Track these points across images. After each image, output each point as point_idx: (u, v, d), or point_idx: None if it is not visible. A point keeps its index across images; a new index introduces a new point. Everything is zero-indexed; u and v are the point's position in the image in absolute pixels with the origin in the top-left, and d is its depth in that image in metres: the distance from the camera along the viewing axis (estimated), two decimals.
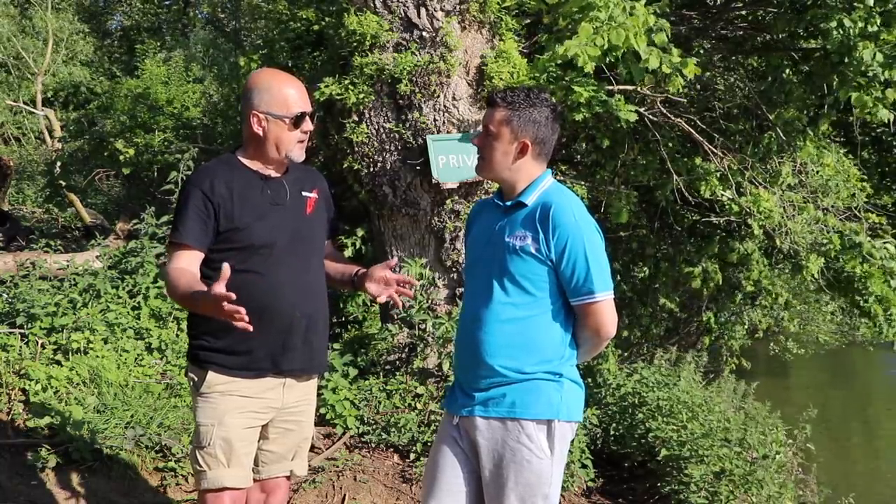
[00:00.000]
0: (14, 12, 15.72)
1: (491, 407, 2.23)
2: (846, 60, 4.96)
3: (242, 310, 2.08)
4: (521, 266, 2.20)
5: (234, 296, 2.06)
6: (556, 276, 2.21)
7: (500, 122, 2.26)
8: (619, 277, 8.05)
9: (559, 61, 4.42)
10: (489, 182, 4.61)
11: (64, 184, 10.17)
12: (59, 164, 10.43)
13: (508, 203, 2.31)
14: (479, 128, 2.37)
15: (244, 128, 2.45)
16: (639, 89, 5.04)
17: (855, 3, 4.89)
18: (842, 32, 4.86)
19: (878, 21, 4.84)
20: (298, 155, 2.46)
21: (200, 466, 2.39)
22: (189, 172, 5.45)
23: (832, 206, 6.49)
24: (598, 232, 2.26)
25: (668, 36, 4.68)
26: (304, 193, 2.53)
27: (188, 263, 2.35)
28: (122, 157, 8.21)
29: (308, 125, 2.45)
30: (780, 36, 6.18)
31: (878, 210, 7.23)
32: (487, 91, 4.64)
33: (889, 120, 5.12)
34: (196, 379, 2.41)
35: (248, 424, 2.41)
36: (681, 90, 4.99)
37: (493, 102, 2.28)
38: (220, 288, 2.06)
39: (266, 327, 2.37)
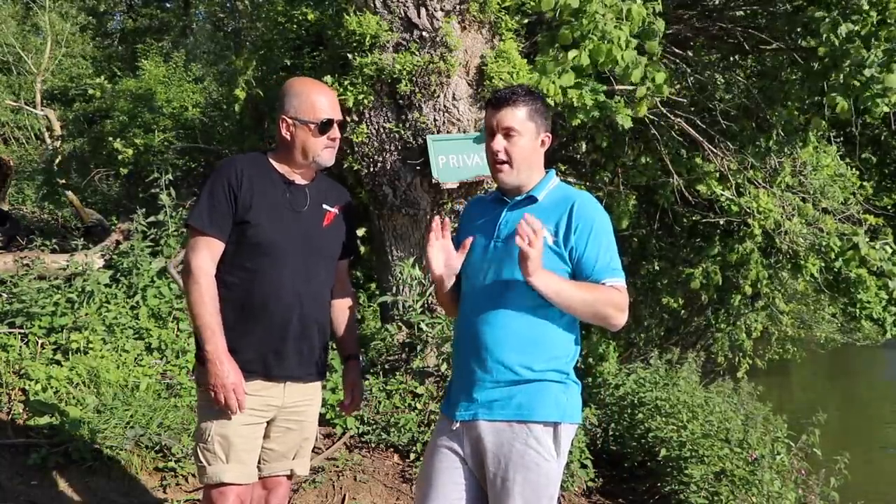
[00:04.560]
0: (14, 11, 15.72)
1: (496, 410, 2.18)
2: (838, 64, 4.97)
3: (234, 406, 2.34)
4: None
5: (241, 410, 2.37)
6: (572, 271, 2.18)
7: (525, 118, 2.22)
8: None
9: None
10: (489, 182, 4.60)
11: (62, 181, 10.17)
12: (56, 162, 10.43)
13: (517, 198, 2.28)
14: (489, 135, 2.27)
15: (276, 131, 2.50)
16: (657, 101, 5.05)
17: (851, 4, 4.90)
18: (837, 35, 4.86)
19: (875, 20, 4.84)
20: (327, 159, 2.50)
21: (200, 462, 2.43)
22: (170, 177, 5.48)
23: (831, 208, 6.50)
24: (612, 226, 2.26)
25: (660, 41, 4.70)
26: (324, 206, 2.55)
27: (212, 260, 2.39)
28: (120, 157, 8.21)
29: (335, 132, 2.48)
30: (779, 35, 6.18)
31: (878, 211, 7.24)
32: (488, 92, 4.64)
33: (881, 119, 5.14)
34: (198, 376, 2.44)
35: (246, 422, 2.42)
36: (678, 91, 5.00)
37: (510, 101, 2.22)
38: (242, 401, 2.34)
39: (260, 328, 2.40)
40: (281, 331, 2.42)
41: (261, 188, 2.42)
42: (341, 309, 2.68)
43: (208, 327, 2.32)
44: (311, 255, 2.48)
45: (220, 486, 2.40)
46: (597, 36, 4.28)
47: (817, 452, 4.31)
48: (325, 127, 2.44)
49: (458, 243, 2.43)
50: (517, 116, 2.22)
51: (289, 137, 2.45)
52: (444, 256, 2.35)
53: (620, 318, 2.17)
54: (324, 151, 2.47)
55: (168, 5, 18.44)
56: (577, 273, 2.17)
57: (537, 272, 2.06)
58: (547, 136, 2.28)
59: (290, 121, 2.44)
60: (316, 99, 2.43)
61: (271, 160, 2.50)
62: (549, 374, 2.18)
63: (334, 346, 2.77)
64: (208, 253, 2.38)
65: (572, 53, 4.36)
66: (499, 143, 2.23)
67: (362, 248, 5.92)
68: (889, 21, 4.92)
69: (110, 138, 8.47)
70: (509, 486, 2.16)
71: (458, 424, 2.25)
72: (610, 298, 2.15)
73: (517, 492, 2.15)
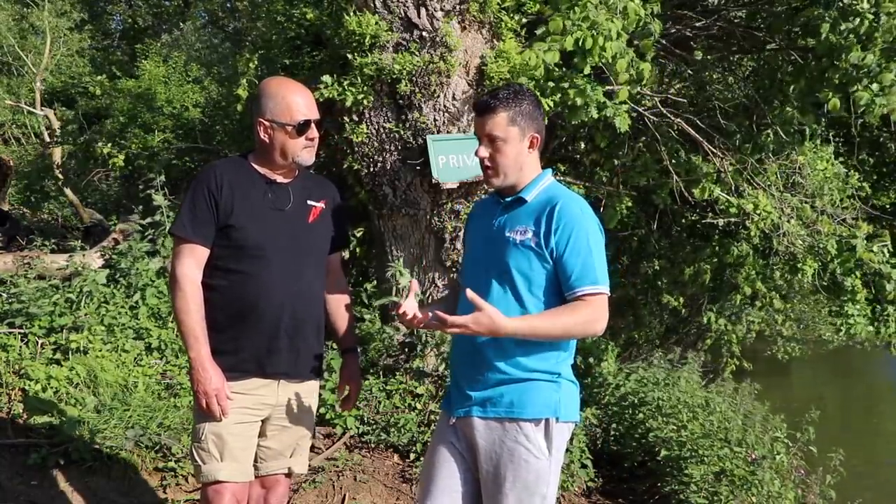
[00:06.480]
0: (13, 11, 15.72)
1: (489, 407, 2.22)
2: (835, 63, 4.97)
3: (217, 411, 2.36)
4: (522, 261, 2.19)
5: (225, 418, 2.40)
6: (554, 272, 2.19)
7: (507, 123, 2.23)
8: (619, 277, 8.07)
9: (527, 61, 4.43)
10: None
11: (40, 188, 10.19)
12: (39, 168, 10.44)
13: (508, 199, 2.30)
14: (478, 141, 2.30)
15: (254, 134, 2.50)
16: (638, 89, 5.05)
17: (852, 5, 4.89)
18: (835, 34, 4.86)
19: (871, 20, 4.84)
20: (307, 159, 2.50)
21: (196, 461, 2.46)
22: (163, 178, 5.48)
23: (829, 209, 6.49)
24: (600, 229, 2.26)
25: (655, 40, 4.70)
26: (309, 202, 2.55)
27: (198, 267, 2.41)
28: (112, 162, 8.21)
29: (313, 132, 2.48)
30: (778, 37, 6.19)
31: (875, 212, 7.24)
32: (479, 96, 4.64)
33: (881, 119, 5.13)
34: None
35: (240, 420, 2.44)
36: (678, 91, 5.01)
37: (489, 108, 2.24)
38: (224, 406, 2.36)
39: (252, 328, 2.42)
40: (273, 329, 2.44)
41: (242, 191, 2.44)
42: (336, 303, 2.70)
43: (191, 334, 2.35)
44: (299, 252, 2.49)
45: (216, 484, 2.43)
46: (586, 25, 4.28)
47: (813, 450, 4.33)
48: (302, 128, 2.44)
49: (465, 243, 2.46)
50: (498, 123, 2.23)
51: (267, 140, 2.46)
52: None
53: (598, 327, 2.18)
54: (303, 152, 2.48)
55: (167, 3, 18.45)
56: (557, 274, 2.19)
57: (498, 327, 2.06)
58: (535, 137, 2.28)
59: (267, 123, 2.44)
60: (292, 100, 2.43)
61: (252, 162, 2.52)
62: (538, 374, 2.21)
63: (334, 345, 2.78)
64: (193, 260, 2.40)
65: (558, 36, 4.36)
66: (483, 150, 2.27)
67: (360, 249, 5.91)
68: (885, 21, 4.92)
69: (100, 144, 8.44)
70: (501, 484, 2.20)
71: (454, 420, 2.30)
72: (580, 317, 2.14)
73: (509, 488, 2.19)
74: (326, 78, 4.73)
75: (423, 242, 4.95)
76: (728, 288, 7.93)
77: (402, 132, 4.75)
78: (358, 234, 5.82)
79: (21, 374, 4.16)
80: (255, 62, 5.92)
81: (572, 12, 4.29)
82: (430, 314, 2.17)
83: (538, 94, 4.50)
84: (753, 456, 4.10)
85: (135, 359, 4.56)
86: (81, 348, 4.37)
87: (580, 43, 4.28)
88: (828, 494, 4.16)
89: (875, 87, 4.92)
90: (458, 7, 4.75)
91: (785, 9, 5.78)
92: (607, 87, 4.84)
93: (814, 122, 6.06)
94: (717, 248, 7.35)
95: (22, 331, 4.47)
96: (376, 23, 4.63)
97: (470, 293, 2.09)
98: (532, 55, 4.33)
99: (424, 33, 4.69)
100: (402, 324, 2.32)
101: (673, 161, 6.14)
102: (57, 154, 11.76)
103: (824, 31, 4.88)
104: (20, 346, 4.36)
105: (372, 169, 4.87)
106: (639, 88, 5.01)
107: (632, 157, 6.44)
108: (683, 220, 7.74)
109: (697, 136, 6.04)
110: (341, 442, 4.38)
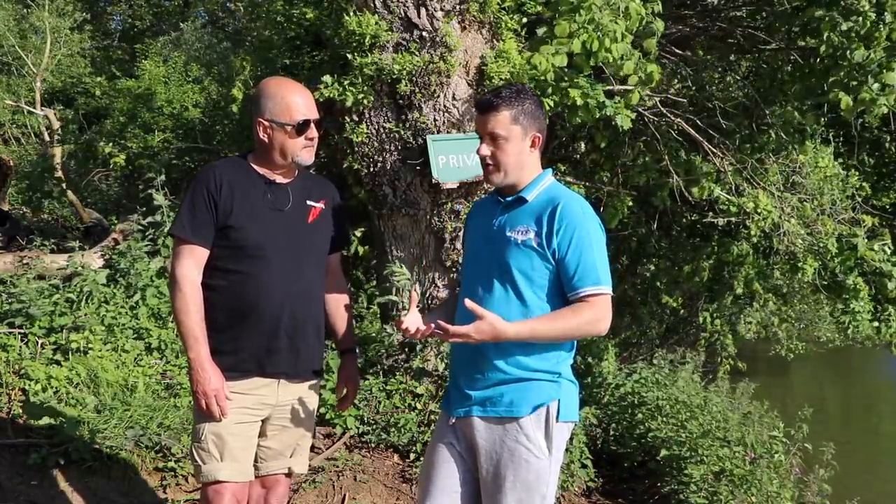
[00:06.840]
0: (13, 11, 15.72)
1: (489, 407, 2.22)
2: (839, 63, 4.97)
3: (216, 412, 2.36)
4: (523, 261, 2.19)
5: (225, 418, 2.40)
6: (556, 272, 2.19)
7: (509, 122, 2.23)
8: (619, 277, 8.08)
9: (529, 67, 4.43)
10: None
11: (43, 189, 10.21)
12: (43, 168, 10.45)
13: (509, 199, 2.30)
14: (479, 139, 2.31)
15: (253, 134, 2.50)
16: (647, 91, 5.05)
17: (850, 4, 4.90)
18: (837, 34, 4.87)
19: (873, 19, 4.84)
20: (306, 159, 2.50)
21: (196, 461, 2.46)
22: (163, 178, 5.48)
23: (829, 209, 6.50)
24: (602, 229, 2.26)
25: (658, 40, 4.69)
26: (308, 202, 2.56)
27: (197, 267, 2.42)
28: (112, 161, 8.22)
29: (313, 132, 2.48)
30: (779, 37, 6.20)
31: (876, 211, 7.24)
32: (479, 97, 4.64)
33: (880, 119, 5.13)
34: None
35: (240, 420, 2.45)
36: (678, 91, 5.01)
37: (492, 106, 2.24)
38: (223, 407, 2.37)
39: (252, 328, 2.43)
40: (273, 329, 2.45)
41: (241, 192, 2.44)
42: (336, 303, 2.70)
43: (191, 334, 2.36)
44: (298, 252, 2.50)
45: (216, 484, 2.44)
46: (591, 27, 4.29)
47: (808, 447, 4.34)
48: (301, 128, 2.44)
49: (464, 243, 2.46)
50: (501, 121, 2.24)
51: (266, 140, 2.46)
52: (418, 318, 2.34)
53: (601, 327, 2.18)
54: (303, 151, 2.48)
55: (167, 2, 18.45)
56: (560, 274, 2.19)
57: (500, 333, 2.09)
58: (537, 136, 2.29)
59: (266, 123, 2.45)
60: (291, 100, 2.44)
61: (251, 163, 2.52)
62: (539, 373, 2.21)
63: (333, 345, 2.78)
64: (192, 261, 2.41)
65: (565, 39, 4.37)
66: (485, 148, 2.27)
67: (361, 249, 5.92)
68: (887, 20, 4.92)
69: (101, 144, 8.46)
70: (501, 484, 2.20)
71: (454, 420, 2.31)
72: (583, 318, 2.15)
73: (509, 488, 2.19)
74: (326, 78, 4.73)
75: (423, 242, 4.95)
76: (726, 288, 7.94)
77: (402, 132, 4.75)
78: (358, 234, 5.82)
79: (21, 374, 4.16)
80: (249, 63, 5.93)
81: (577, 14, 4.30)
82: (433, 325, 2.17)
83: (538, 94, 4.50)
84: (752, 456, 4.10)
85: (135, 359, 4.56)
86: (81, 348, 4.37)
87: (587, 46, 4.29)
88: (823, 490, 4.16)
89: (875, 86, 4.92)
90: (458, 7, 4.75)
91: (784, 9, 5.78)
92: (607, 87, 4.84)
93: (814, 122, 6.06)
94: (716, 247, 7.36)
95: (22, 331, 4.47)
96: (376, 23, 4.63)
97: (469, 303, 2.09)
98: (542, 59, 4.33)
99: (424, 33, 4.69)
100: (405, 336, 2.33)
101: (673, 161, 6.14)
102: (57, 154, 11.77)
103: (826, 31, 4.88)
104: (20, 346, 4.36)
105: (372, 169, 4.87)
106: (647, 90, 5.01)
107: (632, 157, 6.45)
108: (683, 220, 7.75)
109: (697, 135, 6.05)
110: (341, 442, 4.38)
